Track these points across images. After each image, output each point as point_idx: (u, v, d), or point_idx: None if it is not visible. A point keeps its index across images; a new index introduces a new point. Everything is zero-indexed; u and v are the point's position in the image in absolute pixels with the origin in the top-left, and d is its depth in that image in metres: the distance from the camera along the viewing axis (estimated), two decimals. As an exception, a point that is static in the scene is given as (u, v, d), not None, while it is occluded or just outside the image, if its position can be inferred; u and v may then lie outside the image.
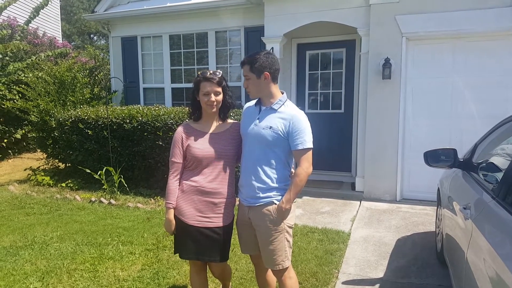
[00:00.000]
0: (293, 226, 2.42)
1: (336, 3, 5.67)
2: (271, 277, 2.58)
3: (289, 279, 2.38)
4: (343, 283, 3.27)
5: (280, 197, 2.29)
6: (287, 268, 2.36)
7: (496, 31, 4.98)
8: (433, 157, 3.10)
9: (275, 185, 2.29)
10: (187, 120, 2.49)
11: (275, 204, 2.28)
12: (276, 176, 2.30)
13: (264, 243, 2.32)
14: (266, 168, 2.29)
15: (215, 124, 2.42)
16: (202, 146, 2.34)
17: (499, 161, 2.74)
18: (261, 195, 2.29)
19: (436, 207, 4.11)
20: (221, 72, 2.37)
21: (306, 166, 2.24)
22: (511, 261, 1.51)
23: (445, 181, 3.57)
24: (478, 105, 5.22)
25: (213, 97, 2.30)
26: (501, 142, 3.01)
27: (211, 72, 2.33)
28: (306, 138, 2.24)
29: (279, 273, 2.37)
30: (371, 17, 5.49)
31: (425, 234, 4.32)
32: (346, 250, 3.94)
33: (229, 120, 2.52)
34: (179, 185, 2.39)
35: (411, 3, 5.27)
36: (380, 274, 3.41)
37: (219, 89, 2.32)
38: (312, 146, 2.27)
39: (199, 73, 2.36)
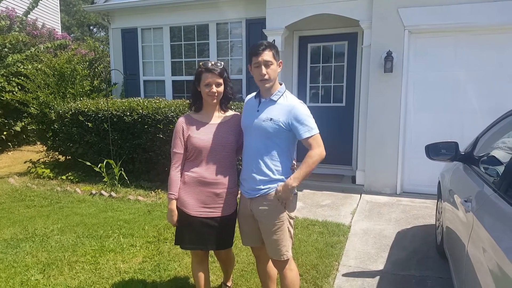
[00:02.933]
0: (295, 217, 2.42)
1: (338, -5, 5.63)
2: (272, 269, 2.59)
3: (290, 271, 2.39)
4: (344, 275, 3.28)
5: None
6: (288, 259, 2.37)
7: (500, 24, 4.94)
8: (434, 150, 3.09)
9: (276, 177, 2.29)
10: (188, 112, 2.49)
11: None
12: (277, 168, 2.29)
13: (267, 233, 2.32)
14: (268, 161, 2.28)
15: (216, 115, 2.42)
16: (202, 136, 2.34)
17: (501, 154, 2.74)
18: (262, 187, 2.29)
19: (436, 200, 4.12)
20: (222, 63, 2.37)
21: (320, 150, 2.24)
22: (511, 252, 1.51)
23: (446, 174, 3.57)
24: (480, 98, 5.21)
25: (214, 88, 2.30)
26: (502, 135, 3.00)
27: (213, 63, 2.33)
28: (310, 125, 2.24)
29: (281, 265, 2.38)
30: (374, 9, 5.45)
31: (425, 227, 4.34)
32: (347, 242, 3.95)
33: (230, 111, 2.52)
34: (181, 176, 2.40)
35: (414, -4, 5.24)
36: (380, 266, 3.43)
37: (221, 80, 2.32)
38: (318, 131, 2.26)
39: (201, 63, 2.36)
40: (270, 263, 2.55)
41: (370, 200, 5.36)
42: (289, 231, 2.34)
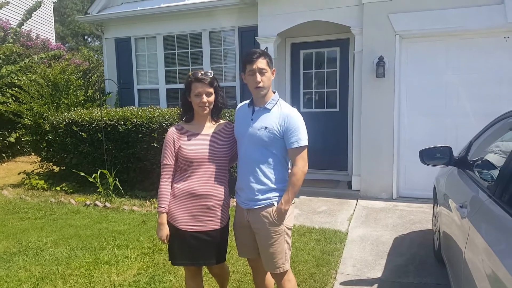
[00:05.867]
0: (292, 227, 2.39)
1: (329, 2, 5.66)
2: (269, 280, 2.56)
3: (288, 282, 2.36)
4: (341, 283, 3.25)
5: (279, 198, 2.26)
6: (286, 271, 2.34)
7: (489, 28, 4.98)
8: (428, 155, 3.09)
9: (274, 186, 2.27)
10: (179, 122, 2.45)
11: (275, 206, 2.25)
12: (275, 176, 2.27)
13: (264, 246, 2.28)
14: (265, 169, 2.26)
15: (207, 125, 2.38)
16: (193, 147, 2.29)
17: (494, 158, 2.74)
18: (260, 197, 2.26)
19: (432, 205, 4.10)
20: (212, 72, 2.33)
21: (302, 164, 2.22)
22: (507, 258, 1.50)
23: (441, 179, 3.56)
24: (472, 102, 5.23)
25: (204, 98, 2.26)
26: (495, 139, 3.01)
27: (203, 72, 2.29)
28: (301, 136, 2.22)
29: (279, 277, 2.34)
30: (364, 15, 5.48)
31: (422, 232, 4.32)
32: (344, 250, 3.92)
33: (222, 121, 2.47)
34: (171, 188, 2.34)
35: (404, 1, 5.27)
36: (378, 273, 3.40)
37: (211, 90, 2.28)
38: (307, 144, 2.25)
39: (190, 73, 2.32)
40: (268, 274, 2.51)
41: (366, 206, 5.34)
42: (287, 242, 2.31)
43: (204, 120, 2.37)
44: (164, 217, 2.30)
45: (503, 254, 1.56)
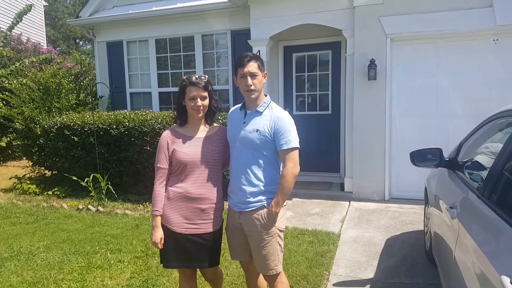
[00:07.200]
0: (284, 229, 2.40)
1: (321, 6, 5.70)
2: (261, 282, 2.56)
3: (281, 284, 2.36)
4: (334, 285, 3.27)
5: (271, 200, 2.27)
6: (279, 273, 2.35)
7: (479, 31, 5.06)
8: (419, 157, 3.12)
9: (266, 188, 2.27)
10: (173, 125, 2.46)
11: (266, 208, 2.27)
12: (266, 179, 2.28)
13: (256, 248, 2.29)
14: (257, 172, 2.27)
15: (201, 129, 2.39)
16: (187, 150, 2.30)
17: (484, 159, 2.78)
18: (252, 199, 2.27)
19: (424, 206, 4.15)
20: (206, 76, 2.35)
21: (291, 166, 2.21)
22: (496, 259, 1.53)
23: (431, 180, 3.60)
24: (462, 104, 5.30)
25: (199, 102, 2.27)
26: (485, 140, 3.05)
27: (197, 76, 2.30)
28: (291, 138, 2.22)
29: (272, 279, 2.35)
30: (356, 19, 5.53)
31: (414, 233, 4.36)
32: (336, 251, 3.94)
33: (216, 125, 2.49)
34: (165, 191, 2.34)
35: (395, 5, 5.33)
36: (370, 274, 3.42)
37: (205, 94, 2.29)
38: (297, 146, 2.25)
39: (184, 77, 2.34)
40: (260, 276, 2.52)
41: (359, 207, 5.38)
42: (279, 244, 2.32)
43: (198, 124, 2.38)
44: (158, 220, 2.30)
45: (491, 254, 1.59)
